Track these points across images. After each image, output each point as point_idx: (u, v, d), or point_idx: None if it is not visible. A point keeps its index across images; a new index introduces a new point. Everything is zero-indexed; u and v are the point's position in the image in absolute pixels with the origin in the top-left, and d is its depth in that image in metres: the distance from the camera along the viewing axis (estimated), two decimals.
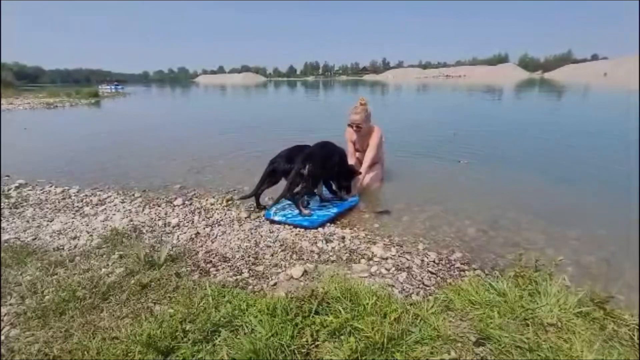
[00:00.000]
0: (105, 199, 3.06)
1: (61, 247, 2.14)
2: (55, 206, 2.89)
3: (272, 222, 2.51)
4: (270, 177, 2.69)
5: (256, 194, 2.72)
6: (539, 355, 1.17)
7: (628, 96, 16.04)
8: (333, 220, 2.57)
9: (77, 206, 2.89)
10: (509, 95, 19.20)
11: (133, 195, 3.16)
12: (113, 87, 31.86)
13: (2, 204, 2.86)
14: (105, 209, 2.82)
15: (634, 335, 1.27)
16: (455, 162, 4.15)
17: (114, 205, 2.89)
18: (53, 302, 1.52)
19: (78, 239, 2.26)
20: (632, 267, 1.90)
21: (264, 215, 2.62)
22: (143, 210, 2.78)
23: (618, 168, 3.92)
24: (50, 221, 2.57)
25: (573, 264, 1.94)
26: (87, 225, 2.50)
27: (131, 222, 2.50)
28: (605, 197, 3.07)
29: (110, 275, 1.76)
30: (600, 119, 8.88)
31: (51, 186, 3.43)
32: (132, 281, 1.68)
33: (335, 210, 2.66)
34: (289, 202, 2.62)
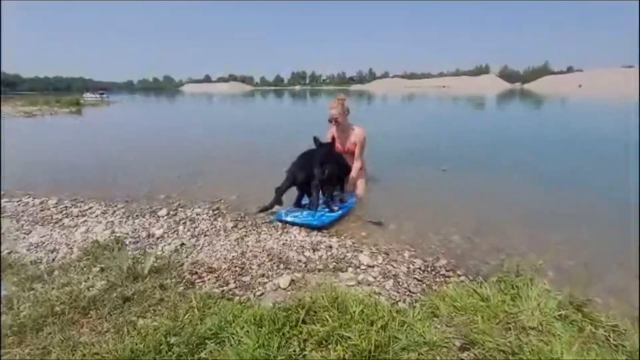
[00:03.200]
0: (87, 210, 2.98)
1: (39, 261, 2.06)
2: (33, 218, 2.79)
3: (283, 222, 2.62)
4: (292, 185, 2.73)
5: (280, 202, 2.74)
6: (521, 359, 1.20)
7: (602, 106, 16.82)
8: (320, 228, 2.58)
9: (57, 218, 2.80)
10: (491, 105, 19.82)
11: (116, 206, 3.09)
12: (98, 95, 31.29)
13: None
14: (86, 220, 2.75)
15: (609, 336, 1.32)
16: (440, 170, 4.24)
17: (96, 217, 2.81)
18: (30, 318, 1.46)
19: (57, 252, 2.18)
20: (615, 270, 1.97)
21: (274, 217, 2.70)
22: (126, 221, 2.71)
23: (599, 174, 4.09)
24: (28, 234, 2.48)
25: (554, 268, 2.00)
26: (67, 237, 2.42)
27: (113, 234, 2.44)
28: (585, 203, 3.18)
29: (90, 288, 1.71)
30: (578, 127, 9.27)
31: (29, 197, 3.31)
32: (114, 294, 1.63)
33: (340, 212, 2.77)
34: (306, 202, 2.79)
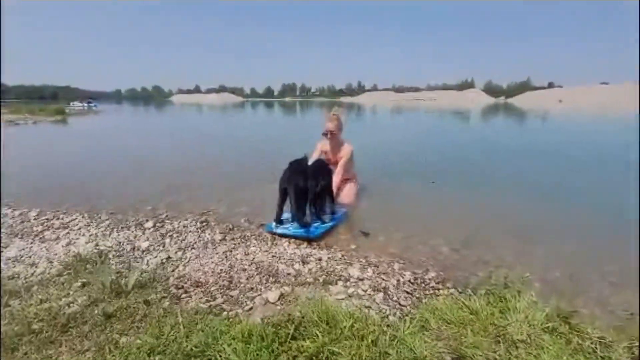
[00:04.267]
0: (69, 222, 2.89)
1: (16, 276, 1.97)
2: (11, 230, 2.69)
3: (274, 234, 2.62)
4: (286, 195, 2.68)
5: (279, 215, 2.71)
6: None
7: (582, 120, 17.48)
8: (310, 240, 2.56)
9: (37, 230, 2.71)
10: (477, 119, 20.34)
11: (100, 217, 3.00)
12: (86, 104, 30.94)
13: None
14: (68, 232, 2.66)
15: (596, 348, 1.34)
16: (428, 183, 4.30)
17: (79, 229, 2.73)
18: (5, 336, 1.39)
19: (36, 266, 2.10)
20: (599, 281, 2.01)
21: (264, 229, 2.70)
22: (110, 233, 2.64)
23: (582, 187, 4.21)
24: (5, 247, 2.38)
25: (540, 280, 2.02)
26: (47, 251, 2.33)
27: (97, 247, 2.37)
28: (569, 215, 3.26)
29: (71, 305, 1.64)
30: (561, 141, 9.58)
31: (8, 209, 3.19)
32: (96, 311, 1.57)
33: (330, 223, 2.78)
34: (289, 215, 2.74)
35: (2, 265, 2.10)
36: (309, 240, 2.53)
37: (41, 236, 2.59)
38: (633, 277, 2.03)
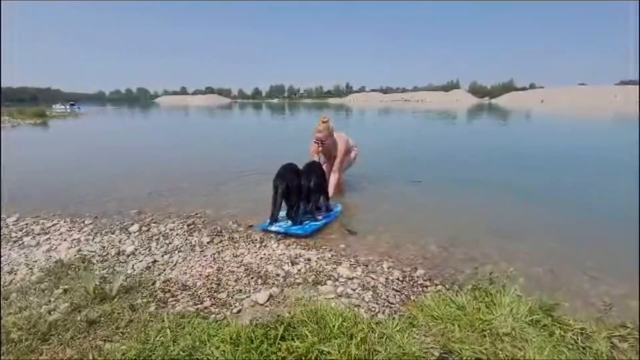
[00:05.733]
0: (50, 227, 2.80)
1: None
2: None
3: (267, 232, 2.66)
4: (282, 196, 2.70)
5: (274, 214, 2.73)
6: None
7: (563, 120, 18.04)
8: (300, 237, 2.58)
9: (15, 237, 2.62)
10: (463, 119, 20.71)
11: (83, 222, 2.92)
12: (68, 107, 30.23)
13: None
14: (49, 238, 2.58)
15: (577, 339, 1.38)
16: (416, 183, 4.35)
17: (60, 234, 2.65)
18: None
19: (15, 274, 2.03)
20: (579, 275, 2.08)
21: (259, 227, 2.73)
22: (94, 238, 2.57)
23: (563, 184, 4.34)
24: None
25: (524, 275, 2.07)
26: (27, 257, 2.26)
27: (79, 252, 2.30)
28: (552, 212, 3.35)
29: (52, 312, 1.59)
30: (543, 140, 9.85)
31: None
32: (79, 317, 1.53)
33: (324, 221, 2.84)
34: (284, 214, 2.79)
35: None
36: (302, 237, 2.56)
37: (20, 242, 2.51)
38: (612, 271, 2.11)
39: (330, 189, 3.40)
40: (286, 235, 2.60)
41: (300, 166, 2.90)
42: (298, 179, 2.70)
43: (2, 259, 2.23)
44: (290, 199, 2.67)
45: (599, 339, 1.38)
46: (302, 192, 2.73)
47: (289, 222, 2.71)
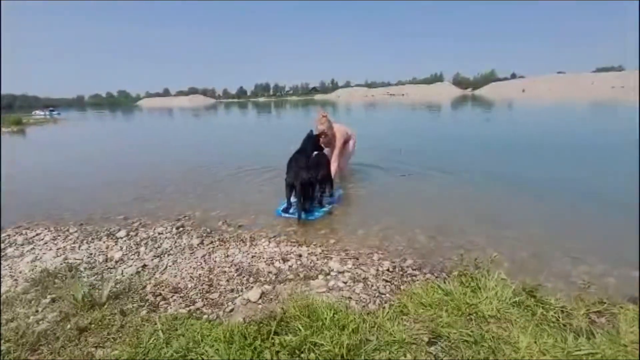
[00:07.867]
0: (34, 237, 2.74)
1: None
2: None
3: (283, 217, 2.99)
4: (298, 193, 2.91)
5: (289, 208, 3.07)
6: (483, 346, 1.27)
7: (543, 108, 18.50)
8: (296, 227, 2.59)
9: None
10: (447, 111, 21.00)
11: (67, 230, 2.87)
12: (48, 113, 29.39)
13: None
14: (33, 248, 2.52)
15: (559, 317, 1.44)
16: (403, 175, 4.41)
17: (45, 244, 2.59)
18: None
19: None
20: (560, 257, 2.15)
21: (275, 213, 3.06)
22: (80, 246, 2.53)
23: (546, 172, 4.46)
24: None
25: (508, 260, 2.14)
26: (11, 268, 2.21)
27: (66, 261, 2.26)
28: (537, 199, 3.44)
29: (40, 322, 1.57)
30: (525, 128, 10.09)
31: None
32: (68, 326, 1.51)
33: (329, 206, 3.18)
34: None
35: None
36: (312, 220, 2.91)
37: (2, 254, 2.44)
38: (591, 251, 2.19)
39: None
40: (299, 220, 2.85)
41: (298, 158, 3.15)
42: (309, 175, 2.97)
43: None
44: (305, 194, 2.96)
45: (579, 315, 1.45)
46: (314, 186, 3.06)
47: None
